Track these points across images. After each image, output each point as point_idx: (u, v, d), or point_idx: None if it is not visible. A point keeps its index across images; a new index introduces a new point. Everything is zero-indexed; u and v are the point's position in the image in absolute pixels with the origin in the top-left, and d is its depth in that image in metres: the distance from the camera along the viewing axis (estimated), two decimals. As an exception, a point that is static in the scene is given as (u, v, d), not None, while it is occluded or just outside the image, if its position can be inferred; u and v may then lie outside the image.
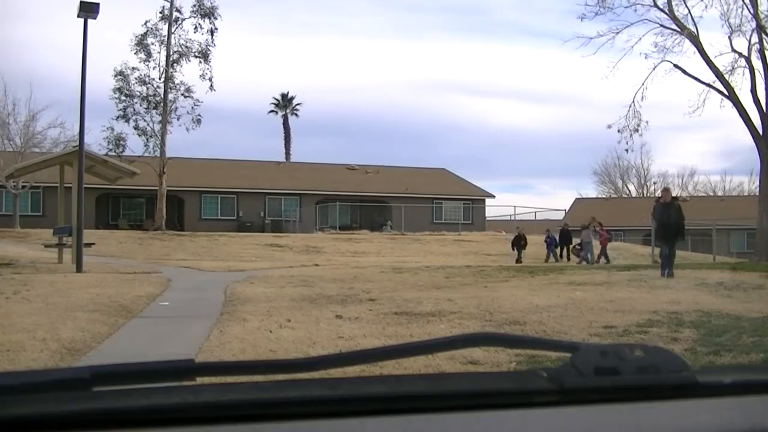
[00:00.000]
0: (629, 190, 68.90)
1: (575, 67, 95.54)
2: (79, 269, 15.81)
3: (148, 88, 35.44)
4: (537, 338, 3.26)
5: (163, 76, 35.45)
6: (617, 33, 24.65)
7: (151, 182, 33.51)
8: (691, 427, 1.02)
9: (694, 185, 68.69)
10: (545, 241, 27.08)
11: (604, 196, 64.18)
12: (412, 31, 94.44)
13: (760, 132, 22.57)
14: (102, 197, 37.43)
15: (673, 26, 24.09)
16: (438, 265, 20.00)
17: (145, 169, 28.80)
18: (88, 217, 22.14)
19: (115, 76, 35.34)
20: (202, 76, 35.72)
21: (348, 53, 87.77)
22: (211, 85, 35.83)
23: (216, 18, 35.86)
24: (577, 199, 58.77)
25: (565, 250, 26.70)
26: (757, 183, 27.20)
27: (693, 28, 23.72)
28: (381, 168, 47.61)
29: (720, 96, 23.60)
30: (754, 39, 23.29)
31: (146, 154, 34.68)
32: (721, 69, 23.47)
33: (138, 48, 35.25)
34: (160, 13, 35.56)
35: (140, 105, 35.43)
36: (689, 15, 23.93)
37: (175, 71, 35.73)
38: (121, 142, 35.15)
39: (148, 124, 35.38)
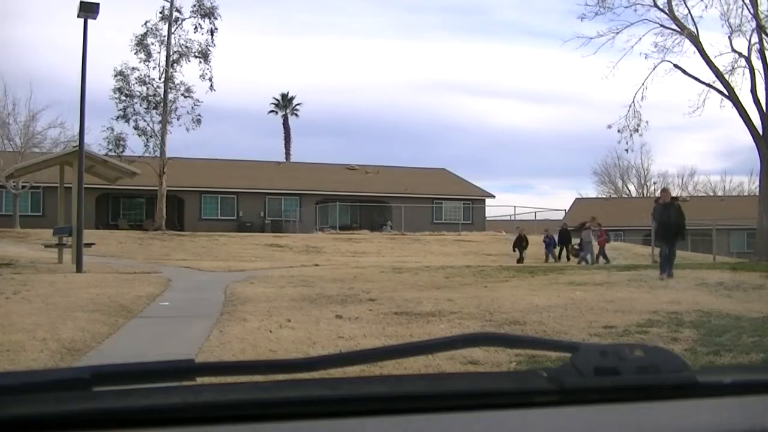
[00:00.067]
0: (629, 190, 68.97)
1: (575, 67, 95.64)
2: (79, 269, 15.81)
3: (148, 88, 35.50)
4: (537, 338, 3.26)
5: (163, 76, 35.48)
6: (617, 33, 24.67)
7: (151, 182, 33.52)
8: (691, 427, 1.02)
9: (694, 185, 68.78)
10: (544, 241, 27.10)
11: (604, 196, 64.20)
12: (412, 31, 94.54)
13: (760, 132, 22.57)
14: (102, 197, 37.43)
15: (673, 26, 24.09)
16: (438, 265, 20.00)
17: (145, 169, 28.80)
18: (88, 217, 22.14)
19: (115, 76, 35.40)
20: (202, 76, 35.79)
21: (348, 53, 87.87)
22: (211, 85, 35.89)
23: (216, 18, 35.93)
24: (577, 199, 58.80)
25: (564, 251, 26.70)
26: (757, 183, 27.21)
27: (693, 28, 23.73)
28: (381, 168, 47.61)
29: (720, 96, 23.62)
30: (754, 39, 23.31)
31: (146, 154, 34.68)
32: (721, 69, 23.49)
33: (138, 48, 35.30)
34: (160, 13, 35.63)
35: (140, 105, 35.48)
36: (689, 15, 23.96)
37: (175, 71, 35.78)
38: (121, 142, 35.17)
39: (148, 124, 35.44)
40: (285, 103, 56.90)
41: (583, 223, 24.87)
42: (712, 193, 64.40)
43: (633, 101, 24.95)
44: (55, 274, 14.99)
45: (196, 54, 35.78)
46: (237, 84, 79.42)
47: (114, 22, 55.79)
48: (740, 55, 23.57)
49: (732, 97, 23.13)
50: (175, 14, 35.63)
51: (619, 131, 25.20)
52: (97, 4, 16.09)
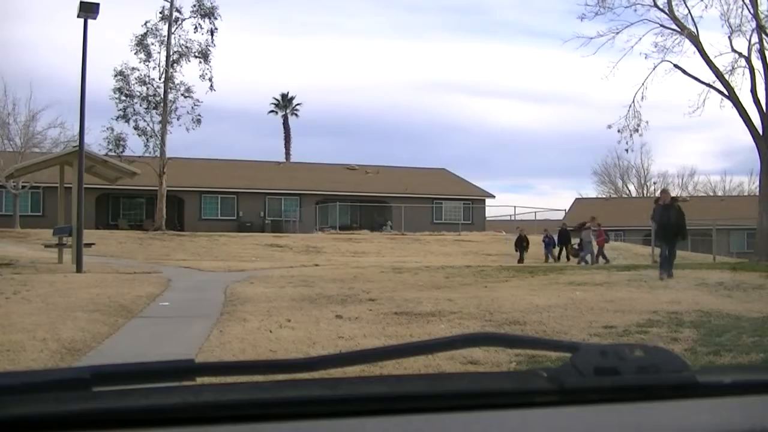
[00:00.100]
0: (629, 190, 68.97)
1: (575, 67, 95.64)
2: (79, 269, 15.81)
3: (148, 88, 35.49)
4: (537, 338, 3.26)
5: (163, 76, 35.48)
6: (617, 33, 24.68)
7: (151, 182, 33.52)
8: (691, 427, 1.02)
9: (694, 185, 68.79)
10: (543, 241, 27.12)
11: (604, 196, 64.19)
12: (412, 31, 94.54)
13: (760, 132, 22.56)
14: (102, 197, 37.43)
15: (673, 26, 24.09)
16: (438, 265, 20.00)
17: (145, 169, 28.79)
18: (88, 217, 22.14)
19: (115, 76, 35.40)
20: (202, 76, 35.78)
21: (348, 53, 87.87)
22: (211, 85, 35.89)
23: (216, 18, 35.93)
24: (577, 199, 58.80)
25: (564, 251, 26.71)
26: (757, 183, 27.21)
27: (693, 28, 23.73)
28: (381, 168, 47.61)
29: (720, 96, 23.62)
30: (754, 39, 23.31)
31: (146, 154, 34.68)
32: (721, 69, 23.49)
33: (138, 48, 35.29)
34: (160, 13, 35.63)
35: (140, 105, 35.48)
36: (689, 15, 23.96)
37: (175, 71, 35.78)
38: (121, 142, 35.16)
39: (148, 124, 35.44)
40: (285, 103, 56.90)
41: (583, 223, 24.88)
42: (712, 193, 64.40)
43: (633, 101, 24.98)
44: (55, 274, 14.99)
45: (196, 54, 35.81)
46: (237, 84, 79.54)
47: (114, 22, 55.84)
48: (740, 55, 23.59)
49: (732, 97, 23.13)
50: (175, 14, 35.67)
51: (619, 131, 25.23)
52: (97, 4, 16.10)
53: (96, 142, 33.58)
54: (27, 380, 0.98)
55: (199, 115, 35.75)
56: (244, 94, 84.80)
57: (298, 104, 57.31)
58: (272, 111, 57.59)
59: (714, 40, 34.28)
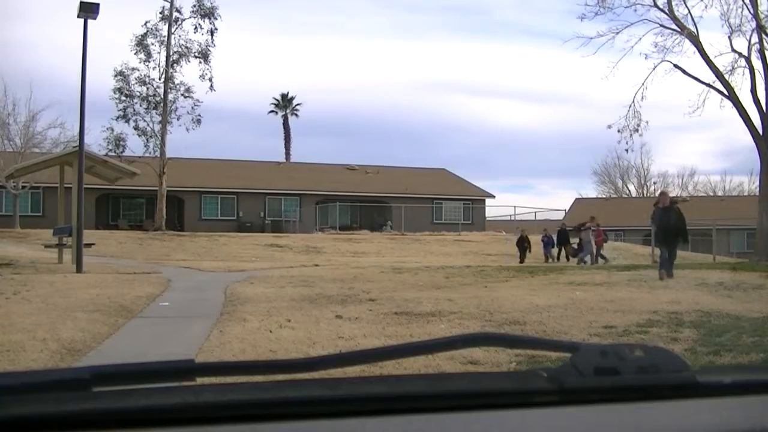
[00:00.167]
0: (629, 190, 68.98)
1: (575, 67, 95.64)
2: (79, 269, 15.81)
3: (148, 89, 35.49)
4: (537, 338, 3.26)
5: (163, 76, 35.47)
6: (617, 33, 24.69)
7: (151, 182, 33.52)
8: (691, 427, 1.01)
9: (694, 185, 68.79)
10: (542, 241, 27.13)
11: (604, 196, 64.20)
12: (412, 31, 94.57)
13: (760, 132, 22.57)
14: (102, 197, 37.43)
15: (673, 26, 24.10)
16: (438, 265, 20.00)
17: (145, 169, 28.79)
18: (88, 217, 22.14)
19: (115, 76, 35.40)
20: (202, 77, 35.78)
21: (348, 53, 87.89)
22: (211, 86, 35.89)
23: (216, 18, 35.93)
24: (577, 199, 58.80)
25: (562, 251, 26.72)
26: (757, 183, 27.22)
27: (693, 28, 23.74)
28: (381, 168, 47.61)
29: (720, 96, 23.63)
30: (754, 39, 23.33)
31: (146, 155, 34.69)
32: (721, 69, 23.50)
33: (138, 48, 35.29)
34: (160, 13, 35.62)
35: (140, 105, 35.47)
36: (689, 15, 23.97)
37: (175, 71, 35.78)
38: (121, 143, 35.17)
39: (148, 125, 35.44)
40: (285, 103, 56.90)
41: (583, 223, 24.89)
42: (712, 193, 64.40)
43: (633, 101, 25.00)
44: (55, 275, 14.99)
45: (196, 54, 35.81)
46: (237, 84, 79.54)
47: (114, 22, 55.84)
48: (740, 55, 23.60)
49: (732, 97, 23.13)
50: (175, 14, 35.67)
51: (619, 131, 25.25)
52: (97, 5, 16.10)
53: (96, 142, 33.64)
54: (27, 380, 0.98)
55: (199, 115, 35.81)
56: (244, 94, 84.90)
57: (298, 104, 57.40)
58: (272, 111, 57.66)
59: (714, 40, 34.34)
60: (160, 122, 35.27)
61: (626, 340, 7.33)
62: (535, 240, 27.66)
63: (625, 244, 32.74)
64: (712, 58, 23.50)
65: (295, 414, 0.93)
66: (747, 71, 23.23)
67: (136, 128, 35.26)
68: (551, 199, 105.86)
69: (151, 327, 8.89)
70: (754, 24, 23.19)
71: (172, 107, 35.54)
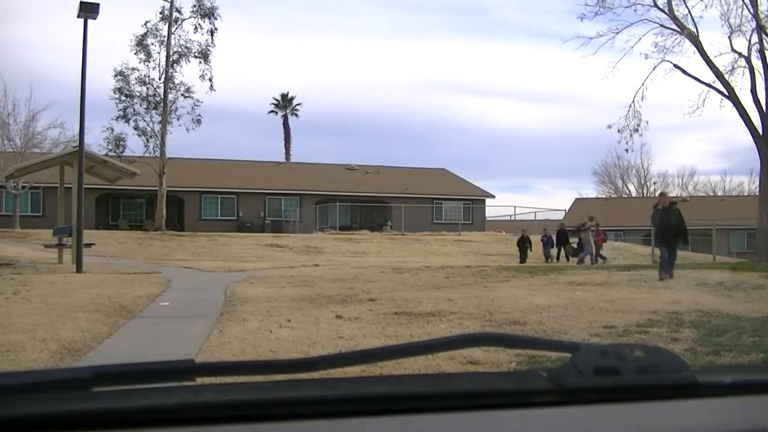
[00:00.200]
0: (629, 190, 68.97)
1: (575, 67, 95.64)
2: (79, 269, 15.81)
3: (148, 89, 35.49)
4: (537, 338, 3.26)
5: (163, 76, 35.47)
6: (617, 33, 24.69)
7: (151, 182, 33.52)
8: (691, 427, 1.01)
9: (694, 185, 68.79)
10: (541, 240, 27.14)
11: (604, 196, 64.20)
12: (412, 31, 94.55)
13: (760, 132, 22.57)
14: (102, 197, 37.43)
15: (673, 26, 24.10)
16: (438, 265, 20.00)
17: (145, 169, 28.79)
18: (88, 217, 22.13)
19: (115, 76, 35.40)
20: (202, 77, 35.78)
21: (348, 53, 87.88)
22: (211, 86, 35.88)
23: (216, 18, 35.92)
24: (577, 199, 58.80)
25: (562, 251, 26.73)
26: (757, 183, 27.22)
27: (693, 28, 23.74)
28: (381, 168, 47.61)
29: (720, 96, 23.63)
30: (754, 39, 23.33)
31: (146, 155, 34.69)
32: (721, 69, 23.50)
33: (138, 48, 35.28)
34: (160, 13, 35.62)
35: (140, 105, 35.47)
36: (689, 15, 23.97)
37: (175, 71, 35.77)
38: (121, 143, 35.16)
39: (148, 125, 35.43)
40: (285, 103, 56.90)
41: (583, 224, 24.91)
42: (712, 193, 64.40)
43: (633, 101, 25.00)
44: (55, 275, 14.99)
45: (196, 54, 35.81)
46: (237, 84, 79.52)
47: (114, 22, 55.83)
48: (740, 55, 23.60)
49: (732, 97, 23.13)
50: (175, 14, 35.66)
51: (619, 131, 25.25)
52: (97, 5, 16.11)
53: (96, 142, 33.64)
54: (27, 380, 0.98)
55: (199, 115, 35.81)
56: (244, 94, 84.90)
57: (298, 104, 57.40)
58: (272, 111, 57.66)
59: (714, 40, 34.34)
60: (160, 122, 35.27)
61: (626, 340, 7.33)
62: (535, 240, 27.66)
63: (625, 244, 32.74)
64: (712, 58, 23.54)
65: (295, 414, 0.93)
66: (747, 71, 23.26)
67: (136, 128, 35.31)
68: (551, 199, 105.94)
69: (151, 327, 8.89)
70: (754, 24, 23.20)
71: (172, 107, 35.58)
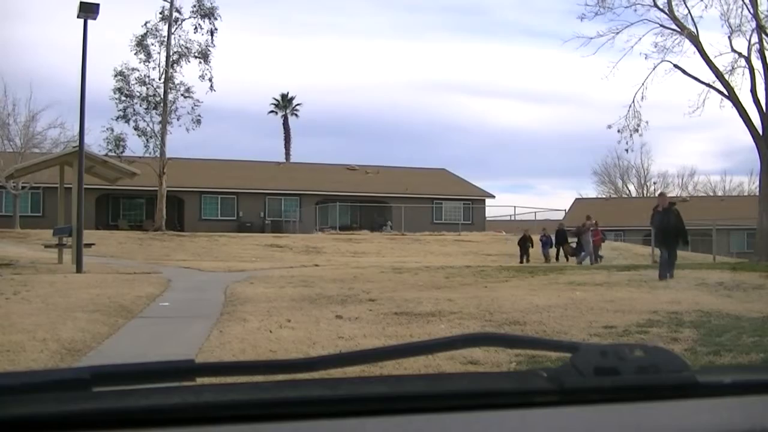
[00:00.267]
0: (629, 190, 68.96)
1: (575, 67, 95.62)
2: (79, 270, 15.81)
3: (148, 89, 35.50)
4: (537, 338, 3.26)
5: (163, 76, 35.47)
6: (617, 33, 24.70)
7: (151, 183, 33.52)
8: (691, 427, 1.01)
9: (694, 185, 68.79)
10: (540, 240, 27.14)
11: (604, 196, 64.20)
12: (412, 31, 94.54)
13: (760, 132, 22.57)
14: (102, 198, 37.43)
15: (673, 26, 24.11)
16: (438, 265, 20.00)
17: (145, 169, 28.79)
18: (88, 217, 22.13)
19: (115, 76, 35.41)
20: (202, 77, 35.78)
21: (348, 53, 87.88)
22: (211, 86, 35.89)
23: (216, 18, 35.93)
24: (577, 199, 58.78)
25: (561, 251, 26.72)
26: (757, 183, 27.22)
27: (693, 28, 23.74)
28: (381, 168, 47.61)
29: (720, 96, 23.64)
30: (754, 39, 23.34)
31: (146, 155, 34.70)
32: (721, 69, 23.51)
33: (138, 48, 35.29)
34: (160, 13, 35.62)
35: (140, 105, 35.48)
36: (689, 15, 23.98)
37: (175, 72, 35.78)
38: (121, 143, 35.17)
39: (148, 125, 35.44)
40: (285, 103, 56.92)
41: (582, 225, 24.91)
42: (712, 193, 64.40)
43: (633, 101, 25.01)
44: (55, 275, 14.98)
45: (196, 54, 35.81)
46: (237, 84, 79.51)
47: (114, 22, 55.82)
48: (740, 55, 23.60)
49: (732, 97, 23.14)
50: (175, 15, 35.66)
51: (619, 131, 25.26)
52: (97, 5, 16.11)
53: (96, 142, 33.65)
54: (27, 380, 0.98)
55: (199, 115, 35.82)
56: (244, 94, 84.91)
57: (298, 104, 57.43)
58: (272, 111, 57.69)
59: (714, 40, 34.38)
60: (160, 122, 35.28)
61: (626, 340, 7.33)
62: (534, 240, 27.65)
63: (625, 244, 32.75)
64: (712, 58, 23.54)
65: (295, 414, 0.93)
66: (747, 71, 23.27)
67: (136, 128, 35.32)
68: (551, 199, 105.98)
69: (151, 327, 8.89)
70: (754, 24, 23.21)
71: (172, 107, 35.58)
